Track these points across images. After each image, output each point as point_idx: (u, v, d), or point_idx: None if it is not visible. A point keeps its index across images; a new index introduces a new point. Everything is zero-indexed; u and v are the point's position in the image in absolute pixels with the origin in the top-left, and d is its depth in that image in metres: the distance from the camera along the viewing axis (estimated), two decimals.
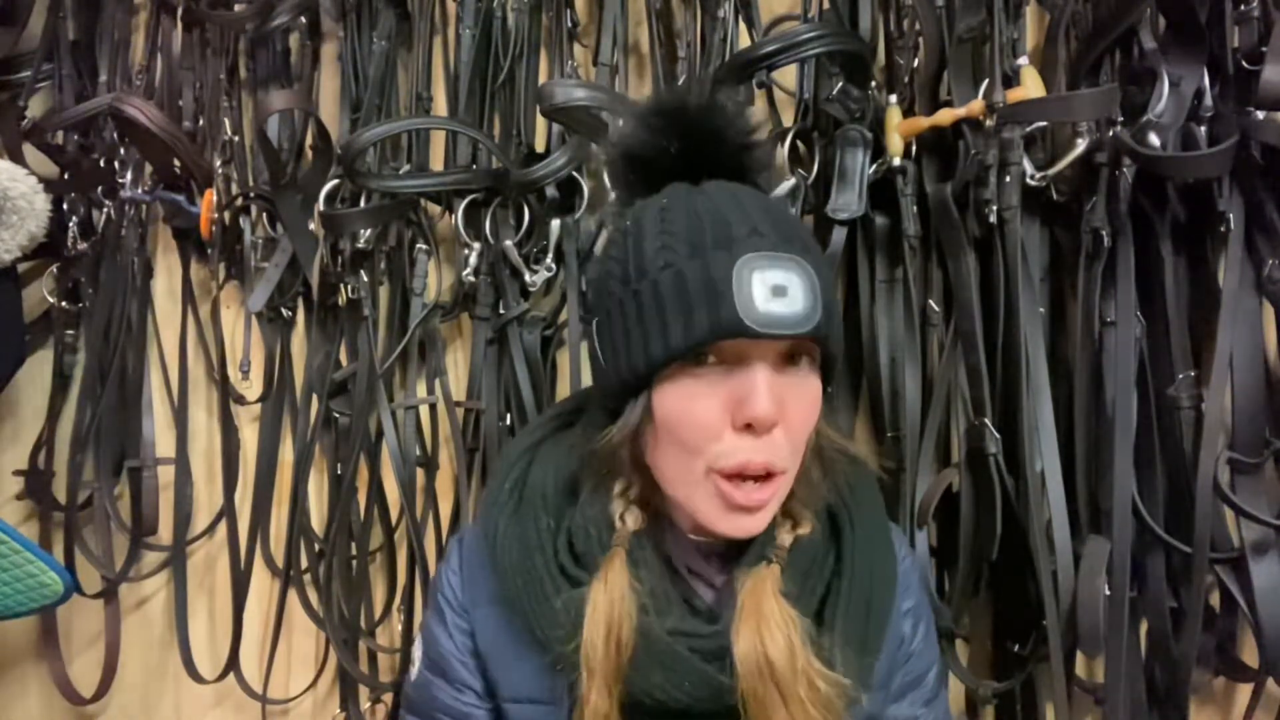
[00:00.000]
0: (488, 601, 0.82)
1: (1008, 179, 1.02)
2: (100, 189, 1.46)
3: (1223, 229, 0.96)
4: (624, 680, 0.72)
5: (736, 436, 0.70)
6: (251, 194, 1.39)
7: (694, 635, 0.74)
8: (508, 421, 1.25)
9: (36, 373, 1.51)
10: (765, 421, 0.69)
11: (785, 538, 0.77)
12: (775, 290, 0.68)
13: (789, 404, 0.71)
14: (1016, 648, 1.07)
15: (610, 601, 0.73)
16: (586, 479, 0.79)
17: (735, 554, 0.78)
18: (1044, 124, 1.04)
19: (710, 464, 0.71)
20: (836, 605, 0.75)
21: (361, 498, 1.32)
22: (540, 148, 1.28)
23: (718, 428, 0.71)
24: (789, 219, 0.76)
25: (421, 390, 1.32)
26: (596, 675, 0.72)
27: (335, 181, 1.30)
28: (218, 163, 1.41)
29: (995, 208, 1.02)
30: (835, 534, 0.80)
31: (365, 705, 1.35)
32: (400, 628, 1.32)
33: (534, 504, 0.80)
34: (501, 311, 1.25)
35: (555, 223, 1.23)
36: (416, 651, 0.87)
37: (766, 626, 0.71)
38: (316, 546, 1.35)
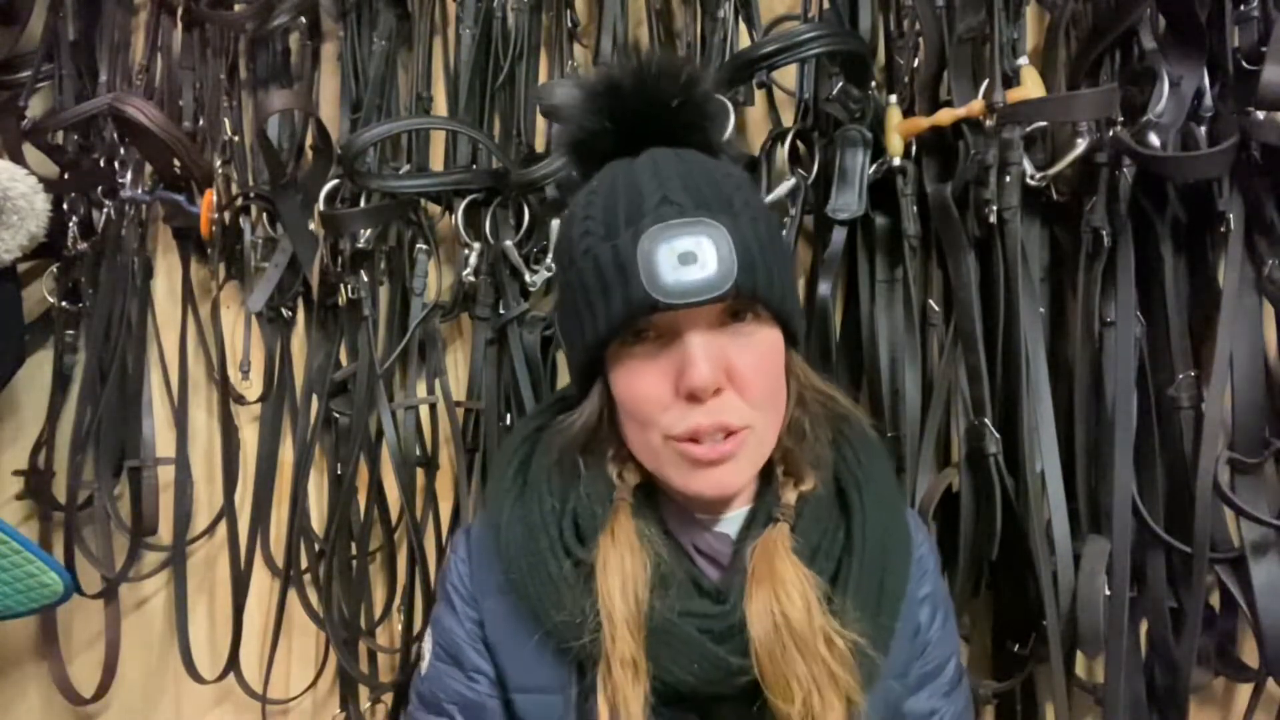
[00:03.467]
0: (495, 591, 0.81)
1: (1008, 179, 1.02)
2: (100, 189, 1.46)
3: (1223, 229, 0.96)
4: (644, 630, 0.72)
5: (685, 405, 0.71)
6: (251, 194, 1.39)
7: (703, 616, 0.73)
8: (508, 421, 1.25)
9: (36, 373, 1.51)
10: (704, 389, 0.70)
11: (790, 495, 0.77)
12: (683, 258, 0.68)
13: (735, 362, 0.71)
14: (1016, 648, 1.07)
15: (621, 555, 0.73)
16: (585, 451, 0.80)
17: (743, 528, 0.78)
18: (1044, 124, 1.04)
19: (665, 432, 0.72)
20: (848, 580, 0.75)
21: (361, 498, 1.32)
22: (540, 148, 1.28)
23: (665, 399, 0.72)
24: (712, 180, 0.73)
25: (421, 390, 1.32)
26: (619, 624, 0.71)
27: (335, 181, 1.30)
28: (218, 163, 1.41)
29: (995, 208, 1.02)
30: (845, 510, 0.79)
31: (365, 705, 1.35)
32: (400, 628, 1.32)
33: (538, 487, 0.80)
34: (501, 311, 1.25)
35: (555, 223, 1.23)
36: (426, 645, 0.87)
37: (781, 586, 0.70)
38: (316, 546, 1.35)
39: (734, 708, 0.73)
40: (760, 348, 0.74)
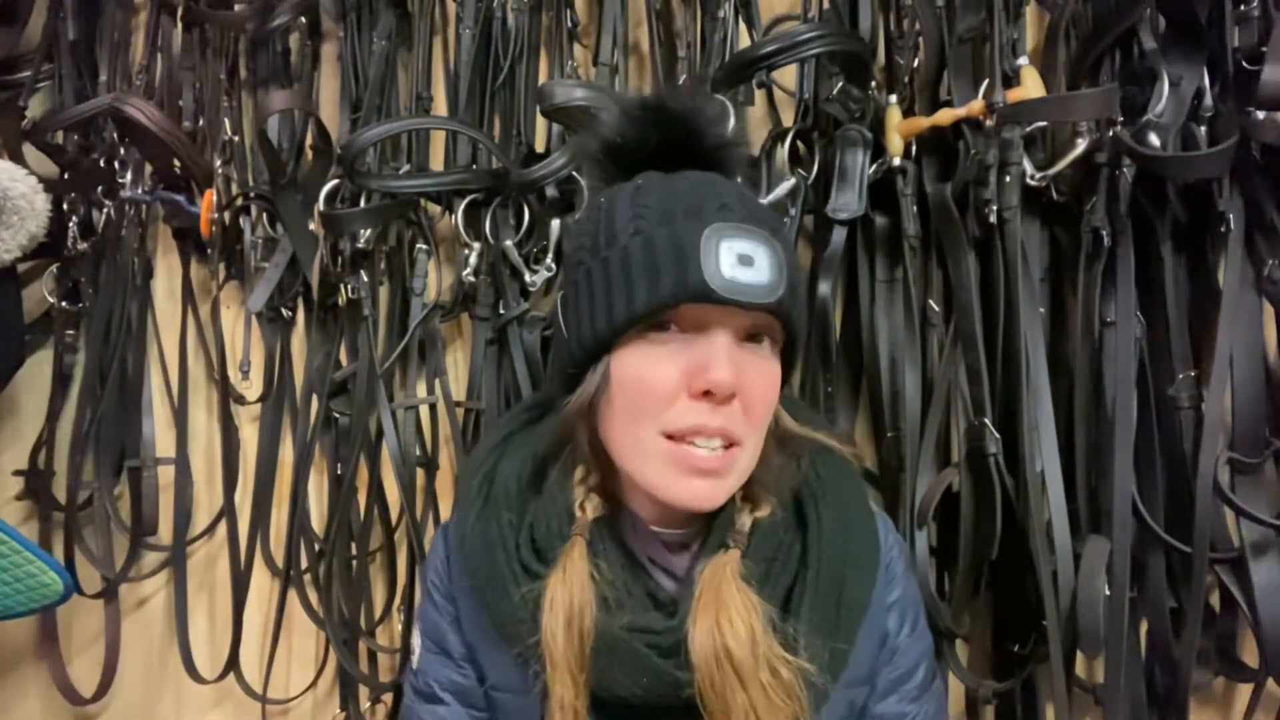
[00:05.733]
0: (468, 592, 0.83)
1: (1008, 179, 1.02)
2: (100, 189, 1.46)
3: (1223, 229, 0.96)
4: (586, 671, 0.72)
5: (692, 403, 0.71)
6: (251, 194, 1.39)
7: (651, 631, 0.74)
8: None
9: (36, 373, 1.51)
10: (724, 387, 0.70)
11: (745, 521, 0.77)
12: (742, 259, 0.70)
13: (748, 378, 0.72)
14: (1016, 648, 1.07)
15: (569, 593, 0.73)
16: (551, 464, 0.80)
17: (698, 544, 0.79)
18: (1044, 124, 1.04)
19: (663, 427, 0.72)
20: (803, 595, 0.75)
21: (361, 498, 1.32)
22: (540, 148, 1.28)
23: (673, 393, 0.72)
24: (758, 203, 0.78)
25: (421, 390, 1.32)
26: (560, 666, 0.72)
27: (335, 181, 1.30)
28: (218, 163, 1.41)
29: (995, 208, 1.02)
30: (802, 524, 0.79)
31: (365, 705, 1.35)
32: (400, 628, 1.32)
33: (498, 501, 0.81)
34: (501, 311, 1.24)
35: (555, 223, 1.23)
36: (415, 639, 0.88)
37: (725, 614, 0.71)
38: (316, 546, 1.35)
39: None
40: (769, 372, 0.75)
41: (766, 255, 0.71)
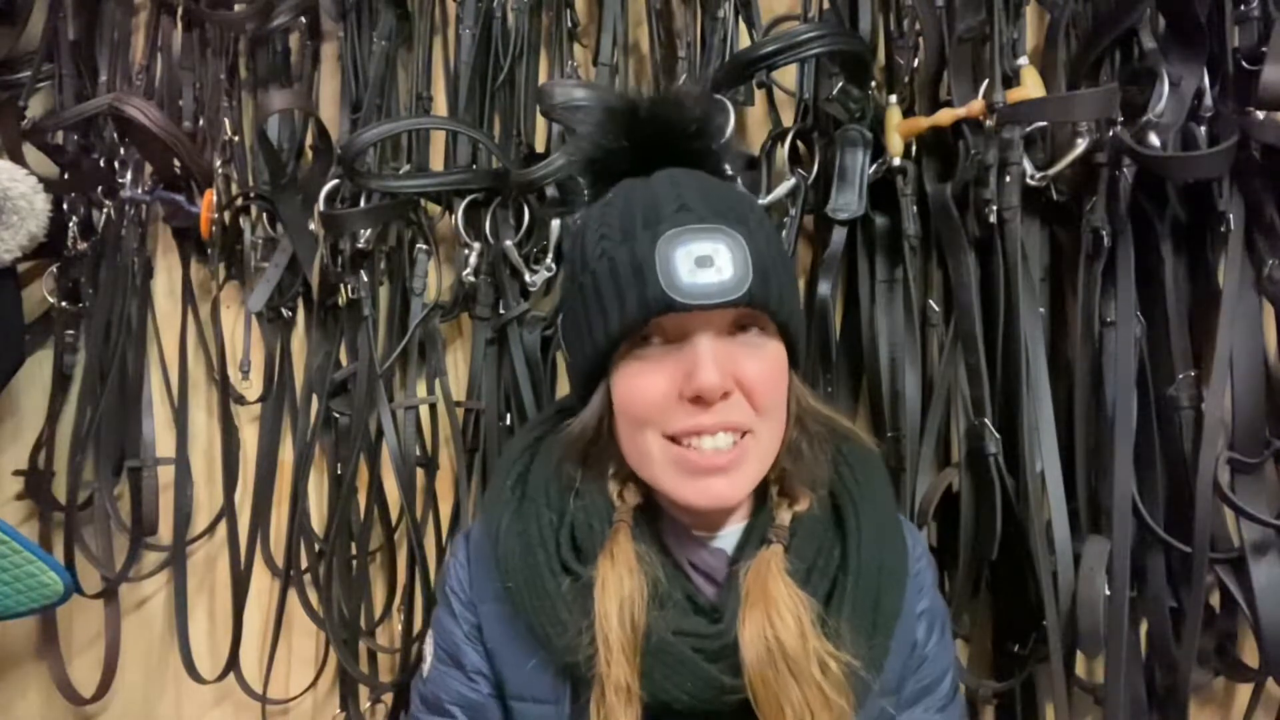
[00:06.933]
0: (493, 598, 0.81)
1: (1008, 179, 1.02)
2: (100, 189, 1.45)
3: (1223, 229, 0.97)
4: (640, 657, 0.72)
5: (688, 407, 0.72)
6: (251, 194, 1.39)
7: (697, 635, 0.73)
8: (508, 421, 1.25)
9: (36, 373, 1.51)
10: (712, 391, 0.70)
11: (785, 516, 0.77)
12: (700, 261, 0.69)
13: (742, 368, 0.72)
14: (1016, 648, 1.07)
15: (619, 577, 0.73)
16: (582, 466, 0.80)
17: (737, 546, 0.78)
18: (1044, 124, 1.04)
19: (664, 429, 0.73)
20: (843, 601, 0.75)
21: (361, 498, 1.32)
22: (540, 148, 1.28)
23: (666, 402, 0.72)
24: (727, 194, 0.76)
25: (421, 390, 1.32)
26: (614, 649, 0.71)
27: (335, 181, 1.30)
28: (218, 163, 1.41)
29: (995, 208, 1.02)
30: (840, 526, 0.79)
31: (365, 705, 1.35)
32: (400, 628, 1.32)
33: (536, 500, 0.80)
34: (501, 311, 1.25)
35: (555, 223, 1.23)
36: (428, 648, 0.87)
37: (775, 609, 0.70)
38: (316, 546, 1.35)
39: None
40: (767, 358, 0.74)
41: (728, 251, 0.70)
